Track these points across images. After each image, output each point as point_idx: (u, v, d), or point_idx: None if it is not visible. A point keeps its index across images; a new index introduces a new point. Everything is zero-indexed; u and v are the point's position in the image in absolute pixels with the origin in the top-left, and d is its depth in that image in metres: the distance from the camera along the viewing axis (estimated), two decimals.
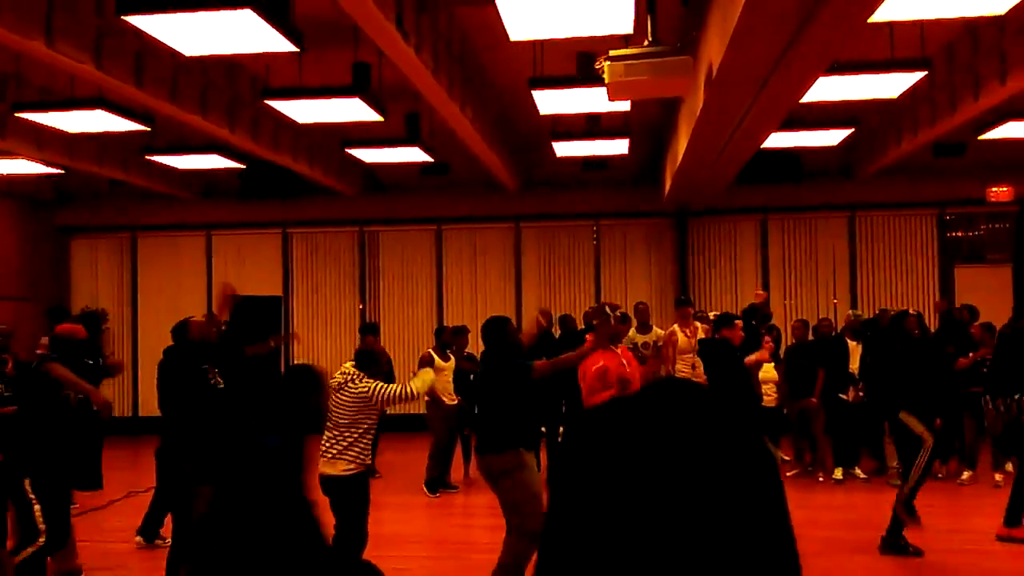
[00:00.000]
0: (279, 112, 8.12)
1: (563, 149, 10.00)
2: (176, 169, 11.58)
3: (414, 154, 9.90)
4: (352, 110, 7.79)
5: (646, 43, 5.37)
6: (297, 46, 5.95)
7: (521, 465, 5.19)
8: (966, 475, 8.91)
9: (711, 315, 10.47)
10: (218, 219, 13.83)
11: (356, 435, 5.28)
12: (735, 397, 5.84)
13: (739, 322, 7.96)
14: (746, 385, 7.72)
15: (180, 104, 7.72)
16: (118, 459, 12.10)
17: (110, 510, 8.38)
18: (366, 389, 5.33)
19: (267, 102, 7.71)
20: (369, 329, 10.29)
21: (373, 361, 5.58)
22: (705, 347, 8.07)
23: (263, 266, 13.98)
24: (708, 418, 0.76)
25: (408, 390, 5.42)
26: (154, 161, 10.85)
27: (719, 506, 0.71)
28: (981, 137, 9.49)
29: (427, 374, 5.93)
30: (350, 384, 5.38)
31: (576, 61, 7.21)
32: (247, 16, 5.38)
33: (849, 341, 9.67)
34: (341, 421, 5.32)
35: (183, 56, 6.55)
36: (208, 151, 9.95)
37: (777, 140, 9.12)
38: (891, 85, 7.20)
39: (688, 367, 8.95)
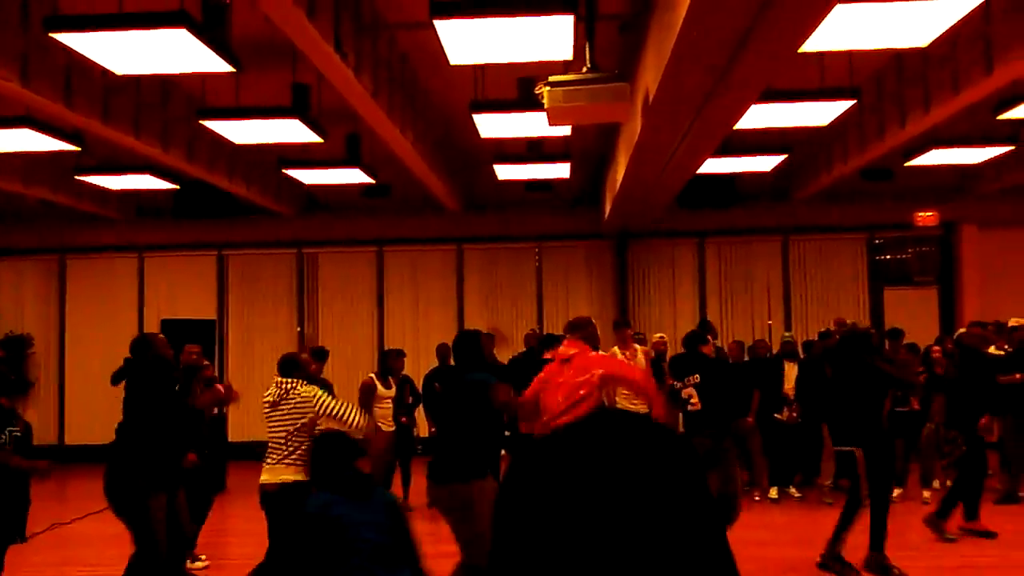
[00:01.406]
0: (215, 132, 7.98)
1: (505, 172, 10.05)
2: (107, 189, 11.28)
3: (355, 175, 9.82)
4: (291, 131, 7.70)
5: (584, 69, 5.44)
6: (234, 66, 5.86)
7: (485, 497, 4.89)
8: (896, 492, 9.13)
9: (655, 337, 10.58)
10: (151, 241, 13.49)
11: (303, 442, 5.15)
12: (733, 408, 5.79)
13: (710, 336, 8.12)
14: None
15: (112, 124, 7.53)
16: (42, 490, 11.62)
17: (33, 543, 8.02)
18: (310, 395, 5.18)
19: (202, 122, 7.57)
20: (317, 355, 10.08)
21: (296, 367, 5.38)
22: (692, 362, 7.84)
23: (197, 289, 13.66)
24: (652, 452, 0.77)
25: (354, 417, 5.22)
26: (84, 181, 10.54)
27: (660, 535, 0.72)
28: (908, 164, 9.83)
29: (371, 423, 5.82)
30: (292, 392, 5.23)
31: (517, 86, 7.27)
32: (181, 36, 5.28)
33: (785, 362, 9.88)
34: (283, 433, 5.18)
35: (115, 75, 6.40)
36: (141, 171, 9.72)
37: (713, 165, 9.31)
38: (822, 113, 7.42)
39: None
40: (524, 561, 0.74)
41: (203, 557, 7.10)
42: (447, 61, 5.87)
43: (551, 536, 0.73)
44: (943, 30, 5.42)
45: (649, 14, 6.15)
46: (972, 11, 5.13)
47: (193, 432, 7.26)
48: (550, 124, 6.15)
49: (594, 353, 5.55)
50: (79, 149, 8.49)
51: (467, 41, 5.44)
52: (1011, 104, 7.43)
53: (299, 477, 5.15)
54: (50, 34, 5.33)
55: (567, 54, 5.65)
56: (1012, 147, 9.41)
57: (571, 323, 5.95)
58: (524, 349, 10.03)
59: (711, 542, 0.75)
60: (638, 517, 0.72)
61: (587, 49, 5.50)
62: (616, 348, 9.22)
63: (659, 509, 0.73)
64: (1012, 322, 9.54)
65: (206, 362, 6.62)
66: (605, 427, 0.79)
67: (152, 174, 9.79)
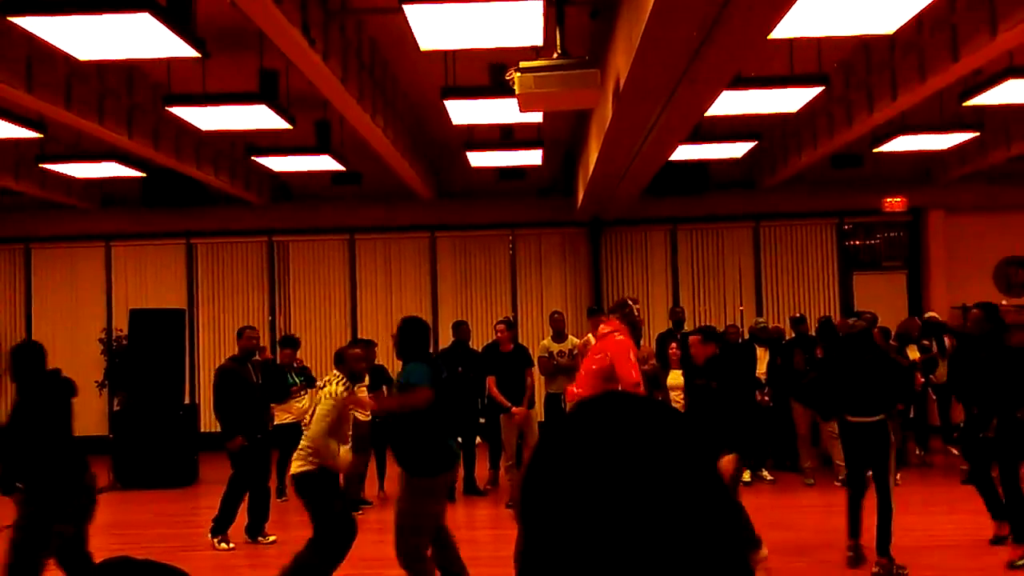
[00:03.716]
0: (182, 119, 7.86)
1: (477, 159, 10.00)
2: (72, 178, 11.08)
3: (325, 162, 9.73)
4: (259, 117, 7.60)
5: (555, 55, 5.42)
6: (199, 52, 5.77)
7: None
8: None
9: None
10: (118, 229, 13.28)
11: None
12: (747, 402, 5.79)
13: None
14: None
15: (75, 110, 7.38)
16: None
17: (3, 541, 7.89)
18: (325, 390, 5.41)
19: (168, 109, 7.45)
20: (288, 342, 10.02)
21: (339, 360, 5.62)
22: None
23: (166, 278, 13.49)
24: (671, 435, 0.79)
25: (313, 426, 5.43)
26: (48, 169, 10.35)
27: (680, 512, 0.75)
28: (876, 150, 9.92)
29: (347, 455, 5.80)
30: (326, 383, 5.56)
31: (488, 72, 7.23)
32: (145, 20, 5.18)
33: (757, 347, 9.98)
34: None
35: (78, 60, 6.27)
36: (106, 159, 9.56)
37: (684, 152, 9.34)
38: (791, 99, 7.47)
39: None
40: (553, 543, 0.76)
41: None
42: (417, 47, 5.82)
43: (584, 518, 0.75)
44: (910, 16, 5.46)
45: None
46: None
47: (255, 415, 7.38)
48: (521, 110, 6.14)
49: (619, 339, 5.78)
50: (41, 136, 8.33)
51: (437, 26, 5.40)
52: (977, 91, 7.51)
53: (305, 468, 5.37)
54: (9, 18, 5.20)
55: (538, 40, 5.62)
56: (978, 133, 9.54)
57: (613, 306, 6.61)
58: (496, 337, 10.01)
59: (721, 518, 0.78)
60: (657, 495, 0.75)
61: (558, 35, 5.48)
62: (590, 335, 9.25)
63: (675, 489, 0.76)
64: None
65: (262, 345, 7.13)
66: (618, 409, 0.81)
67: (118, 162, 9.63)
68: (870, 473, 6.27)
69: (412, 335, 5.27)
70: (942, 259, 13.13)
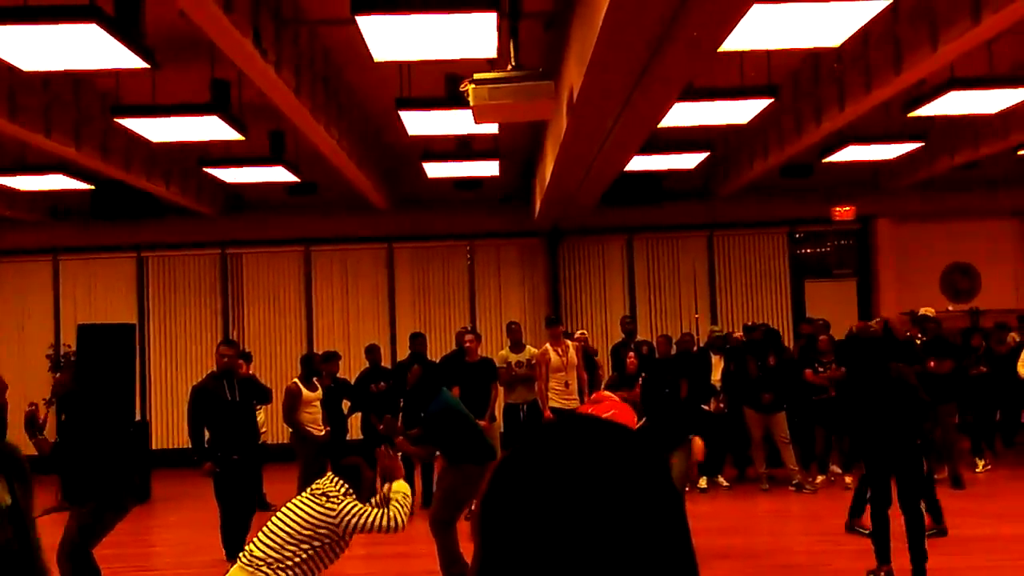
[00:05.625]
0: (131, 130, 7.73)
1: (434, 170, 9.99)
2: (17, 190, 10.81)
3: (279, 173, 9.63)
4: (210, 128, 7.50)
5: (509, 67, 5.44)
6: (148, 62, 5.68)
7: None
8: (820, 479, 9.42)
9: (577, 334, 10.66)
10: (66, 242, 12.98)
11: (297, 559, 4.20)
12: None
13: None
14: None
15: (20, 122, 7.21)
16: None
17: None
18: (333, 508, 4.24)
19: (118, 120, 7.32)
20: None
21: (353, 476, 4.45)
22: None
23: (116, 292, 13.21)
24: (625, 457, 0.79)
25: (392, 519, 4.29)
26: None
27: (635, 536, 0.75)
28: (825, 160, 10.13)
29: (401, 487, 4.55)
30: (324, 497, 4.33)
31: (444, 83, 7.23)
32: (92, 31, 5.08)
33: (712, 355, 10.09)
34: (289, 535, 4.24)
35: (22, 71, 6.13)
36: (53, 171, 9.34)
37: (639, 163, 9.43)
38: (741, 111, 7.59)
39: (561, 384, 9.09)
40: (510, 563, 0.76)
41: None
42: (371, 57, 5.80)
43: (534, 535, 0.75)
44: (855, 30, 5.60)
45: (572, 11, 6.19)
46: (882, 11, 5.31)
47: (231, 434, 7.00)
48: (476, 122, 6.15)
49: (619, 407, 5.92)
50: None
51: (390, 37, 5.38)
52: (920, 102, 7.71)
53: None
54: None
55: (491, 51, 5.64)
56: (922, 143, 9.79)
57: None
58: (455, 348, 9.99)
59: (675, 540, 0.78)
60: (611, 518, 0.76)
61: (511, 47, 5.50)
62: (548, 345, 9.28)
63: (634, 513, 0.77)
64: (922, 311, 9.95)
65: (240, 361, 6.84)
66: (579, 432, 0.82)
67: (65, 174, 9.42)
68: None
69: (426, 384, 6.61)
70: (891, 266, 13.43)
